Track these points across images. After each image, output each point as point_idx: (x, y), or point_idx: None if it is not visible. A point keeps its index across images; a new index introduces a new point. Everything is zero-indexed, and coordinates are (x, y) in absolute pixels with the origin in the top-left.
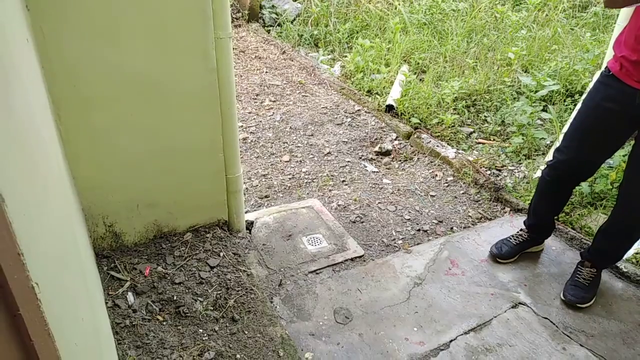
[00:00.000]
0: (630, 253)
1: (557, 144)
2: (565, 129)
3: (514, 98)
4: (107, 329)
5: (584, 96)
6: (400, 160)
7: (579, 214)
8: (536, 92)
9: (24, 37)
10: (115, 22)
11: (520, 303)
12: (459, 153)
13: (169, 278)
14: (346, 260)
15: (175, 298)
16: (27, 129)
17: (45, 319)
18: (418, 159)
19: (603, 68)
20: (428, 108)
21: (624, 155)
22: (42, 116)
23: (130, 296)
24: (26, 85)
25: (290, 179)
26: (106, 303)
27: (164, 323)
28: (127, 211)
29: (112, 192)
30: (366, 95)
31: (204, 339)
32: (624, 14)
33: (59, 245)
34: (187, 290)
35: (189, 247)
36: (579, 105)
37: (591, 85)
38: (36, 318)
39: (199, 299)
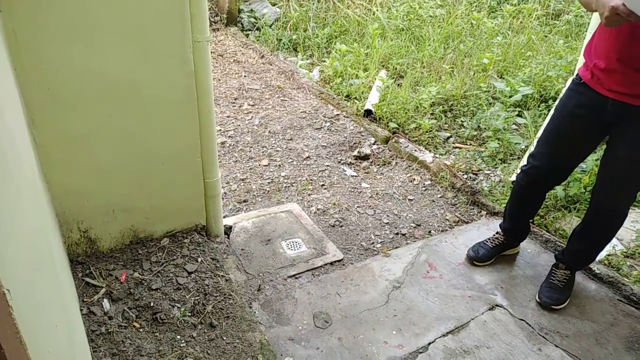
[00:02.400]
0: (602, 255)
1: (532, 148)
2: (539, 134)
3: (490, 103)
4: (82, 337)
5: (556, 102)
6: (378, 165)
7: (553, 217)
8: (510, 97)
9: None
10: (91, 24)
11: (497, 305)
12: (437, 157)
13: (145, 284)
14: (325, 264)
15: (152, 304)
16: None
17: (17, 326)
18: (396, 163)
19: (574, 75)
20: (406, 113)
21: (596, 160)
22: (14, 119)
23: (106, 303)
24: None
25: (269, 183)
26: (81, 310)
27: (141, 330)
28: (103, 216)
29: (87, 197)
30: (345, 100)
31: (181, 345)
32: (595, 22)
33: (32, 251)
34: (164, 297)
35: (166, 252)
36: (552, 111)
37: (563, 91)
38: (7, 325)
39: (177, 305)
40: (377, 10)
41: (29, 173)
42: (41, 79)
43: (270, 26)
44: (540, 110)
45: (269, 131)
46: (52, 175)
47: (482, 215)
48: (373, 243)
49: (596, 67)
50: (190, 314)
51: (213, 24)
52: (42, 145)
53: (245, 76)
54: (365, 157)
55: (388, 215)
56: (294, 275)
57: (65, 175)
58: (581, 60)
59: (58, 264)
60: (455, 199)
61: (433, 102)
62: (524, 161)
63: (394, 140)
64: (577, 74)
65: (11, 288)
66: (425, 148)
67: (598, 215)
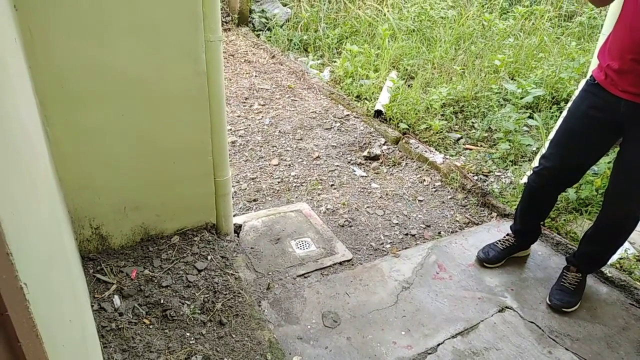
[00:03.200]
0: (614, 258)
1: (543, 150)
2: (551, 135)
3: (501, 105)
4: (93, 332)
5: (569, 104)
6: (388, 165)
7: (564, 220)
8: (521, 98)
9: (12, 36)
10: (105, 23)
11: (506, 307)
12: (447, 158)
13: (155, 281)
14: (334, 264)
15: (162, 301)
16: (15, 128)
17: (33, 320)
18: (406, 164)
19: (588, 77)
20: (416, 114)
21: (608, 162)
22: (29, 116)
23: (116, 299)
24: (14, 84)
25: (279, 182)
26: (92, 306)
27: (151, 326)
28: (114, 214)
29: (99, 194)
30: (355, 100)
31: (191, 342)
32: (609, 23)
33: (46, 245)
34: (174, 294)
35: (176, 250)
36: (564, 113)
37: (577, 93)
38: (24, 319)
39: (186, 302)
40: (388, 11)
41: (42, 168)
42: (55, 76)
43: (281, 26)
44: (552, 112)
45: (279, 131)
46: (64, 172)
47: (492, 217)
48: (382, 243)
49: (609, 68)
50: (199, 312)
51: (224, 24)
52: (56, 142)
53: (256, 76)
54: (375, 158)
55: (398, 216)
56: (303, 274)
57: (78, 172)
58: (594, 62)
59: (70, 259)
60: (466, 201)
61: (444, 103)
62: (535, 162)
63: (404, 141)
64: (591, 75)
65: (28, 282)
66: (436, 149)
67: (610, 219)
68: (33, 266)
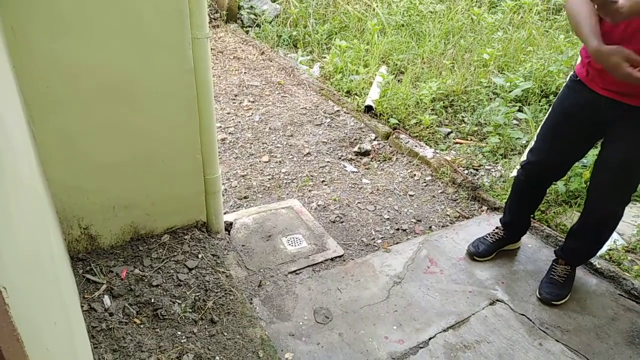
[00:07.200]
0: (603, 250)
1: (532, 143)
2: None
3: (490, 99)
4: (83, 333)
5: (555, 99)
6: (379, 161)
7: (554, 212)
8: (510, 91)
9: None
10: (90, 21)
11: (497, 300)
12: (437, 153)
13: (146, 280)
14: (326, 260)
15: (152, 300)
16: None
17: (13, 324)
18: (397, 159)
19: (572, 72)
20: (406, 109)
21: (597, 155)
22: (12, 117)
23: (106, 299)
24: None
25: (269, 179)
26: (82, 307)
27: (142, 326)
28: (103, 213)
29: (87, 194)
30: (345, 96)
31: (182, 341)
32: None
33: (30, 248)
34: (165, 293)
35: (166, 249)
36: (551, 108)
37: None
38: (4, 323)
39: (177, 301)
40: (377, 6)
41: (27, 171)
42: (40, 76)
43: (270, 22)
44: (541, 105)
45: (269, 127)
46: (52, 173)
47: (482, 211)
48: (374, 239)
49: (590, 66)
50: (190, 310)
51: (213, 20)
52: (42, 143)
53: (245, 73)
54: (366, 153)
55: (389, 211)
56: (294, 271)
57: (65, 172)
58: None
59: (57, 261)
60: (456, 195)
61: (433, 97)
62: (524, 156)
63: (394, 136)
64: (574, 72)
65: (7, 286)
66: (426, 144)
67: (593, 216)
68: (14, 270)
